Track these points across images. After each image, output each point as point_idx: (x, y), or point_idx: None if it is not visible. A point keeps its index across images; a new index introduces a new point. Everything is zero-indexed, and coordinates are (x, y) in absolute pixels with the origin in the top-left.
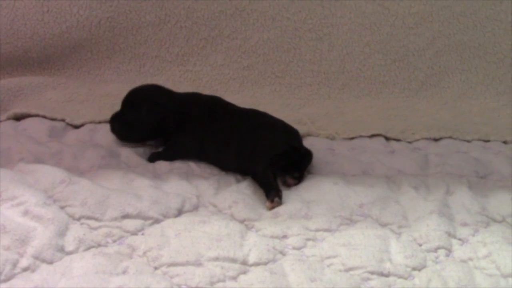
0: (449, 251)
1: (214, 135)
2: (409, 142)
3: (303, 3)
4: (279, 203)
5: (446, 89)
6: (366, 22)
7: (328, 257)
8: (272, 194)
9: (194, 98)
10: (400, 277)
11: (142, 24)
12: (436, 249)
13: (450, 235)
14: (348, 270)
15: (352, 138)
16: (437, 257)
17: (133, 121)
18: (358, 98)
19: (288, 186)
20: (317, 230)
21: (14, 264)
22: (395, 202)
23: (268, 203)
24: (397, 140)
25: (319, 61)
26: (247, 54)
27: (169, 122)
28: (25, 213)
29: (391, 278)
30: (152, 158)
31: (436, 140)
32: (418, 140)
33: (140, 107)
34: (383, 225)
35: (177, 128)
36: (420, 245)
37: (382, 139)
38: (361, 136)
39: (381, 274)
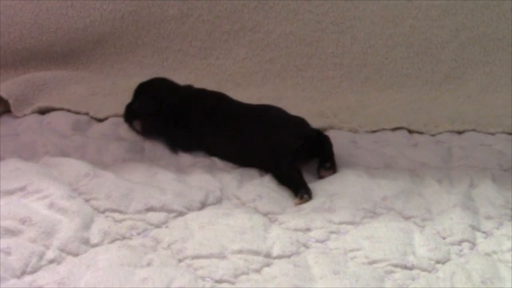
0: (473, 244)
1: (217, 132)
2: (432, 135)
3: None
4: (308, 199)
5: (470, 82)
6: (389, 15)
7: (352, 250)
8: (301, 191)
9: (197, 94)
10: (423, 270)
11: (165, 18)
12: (460, 242)
13: (474, 228)
14: (371, 263)
15: (375, 131)
16: (461, 250)
17: (135, 112)
18: (381, 91)
19: (322, 177)
20: (341, 223)
21: (40, 256)
22: (419, 195)
23: (297, 200)
24: (420, 133)
25: (341, 54)
26: (270, 48)
27: (164, 116)
28: (51, 205)
29: (415, 271)
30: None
31: (459, 133)
32: (441, 133)
33: (138, 98)
34: (407, 218)
35: (176, 123)
36: (444, 238)
37: (405, 132)
38: (384, 129)
39: (405, 267)
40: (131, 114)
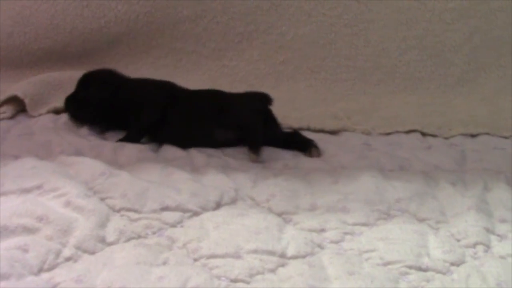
0: (487, 247)
1: (175, 115)
2: (446, 138)
3: (339, 0)
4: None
5: (483, 85)
6: (402, 18)
7: (366, 251)
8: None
9: (148, 81)
10: (438, 272)
11: (179, 19)
12: (474, 245)
13: (489, 231)
14: (386, 264)
15: (388, 134)
16: (475, 253)
17: (84, 100)
18: (394, 94)
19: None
20: (355, 224)
21: (57, 254)
22: (433, 197)
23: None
24: (434, 136)
25: (354, 57)
26: (283, 49)
27: (119, 99)
28: (67, 204)
29: (429, 273)
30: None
31: (473, 136)
32: (455, 136)
33: (90, 86)
34: (421, 220)
35: (131, 110)
36: (458, 240)
37: (418, 135)
38: (397, 132)
39: (419, 269)
40: (77, 104)
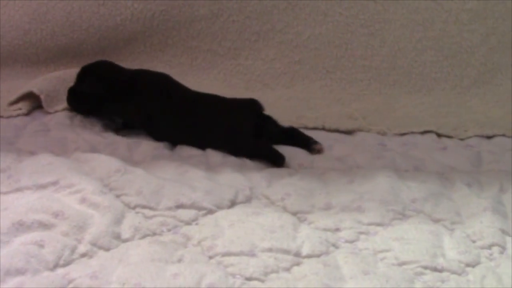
0: (503, 248)
1: (168, 111)
2: (461, 139)
3: (355, 0)
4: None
5: (499, 86)
6: (419, 18)
7: (381, 251)
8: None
9: (143, 74)
10: (453, 272)
11: (195, 17)
12: (490, 246)
13: (504, 232)
14: (401, 264)
15: (403, 134)
16: (491, 254)
17: (81, 92)
18: (409, 94)
19: (319, 152)
20: (370, 224)
21: (73, 250)
22: (448, 198)
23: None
24: (449, 137)
25: (370, 57)
26: (299, 49)
27: (114, 94)
28: (82, 200)
29: (445, 274)
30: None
31: (489, 137)
32: (470, 137)
33: (85, 79)
34: (436, 221)
35: (125, 101)
36: (474, 241)
37: (433, 136)
38: (412, 132)
39: (435, 269)
40: (77, 97)
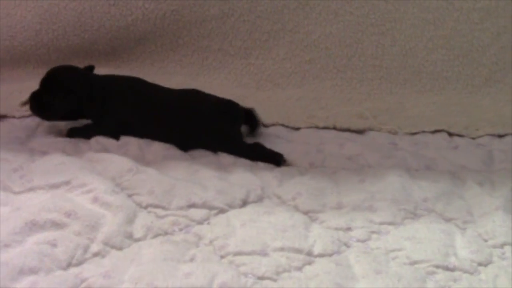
0: None
1: (142, 115)
2: (473, 138)
3: None
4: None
5: (511, 85)
6: (430, 17)
7: (393, 250)
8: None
9: (112, 80)
10: (465, 271)
11: (206, 17)
12: (502, 245)
13: None
14: (413, 263)
15: (414, 133)
16: (503, 253)
17: (49, 104)
18: (420, 94)
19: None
20: (381, 223)
21: (85, 249)
22: (460, 197)
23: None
24: (461, 136)
25: (381, 56)
26: (309, 48)
27: (84, 107)
28: (95, 200)
29: (457, 273)
30: (71, 134)
31: (500, 136)
32: (482, 136)
33: (55, 92)
34: (448, 220)
35: (97, 111)
36: (486, 240)
37: (445, 135)
38: (423, 132)
39: (447, 268)
40: (43, 104)
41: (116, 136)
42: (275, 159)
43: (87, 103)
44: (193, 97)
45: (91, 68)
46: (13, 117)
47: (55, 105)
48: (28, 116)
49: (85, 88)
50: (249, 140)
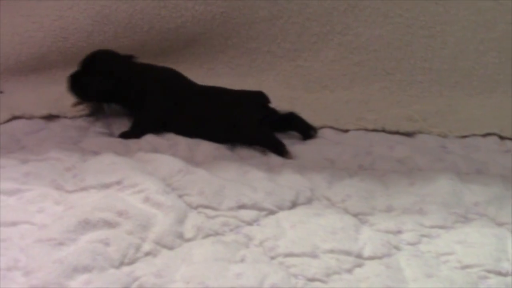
0: None
1: (177, 105)
2: None
3: (416, 1)
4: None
5: None
6: (481, 19)
7: (444, 254)
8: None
9: (151, 68)
10: None
11: (255, 19)
12: None
13: None
14: (464, 267)
15: (465, 137)
16: None
17: (87, 84)
18: (471, 97)
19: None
20: (432, 227)
21: (137, 248)
22: None
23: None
24: None
25: (431, 59)
26: (358, 50)
27: (122, 91)
28: (146, 200)
29: (510, 278)
30: (123, 136)
31: None
32: None
33: (94, 73)
34: (500, 224)
35: (135, 95)
36: None
37: (496, 138)
38: (474, 135)
39: (499, 274)
40: (81, 85)
41: (153, 124)
42: (278, 149)
43: (124, 86)
44: (219, 89)
45: (130, 56)
46: (65, 117)
47: (93, 85)
48: (80, 117)
49: (123, 71)
50: (301, 144)
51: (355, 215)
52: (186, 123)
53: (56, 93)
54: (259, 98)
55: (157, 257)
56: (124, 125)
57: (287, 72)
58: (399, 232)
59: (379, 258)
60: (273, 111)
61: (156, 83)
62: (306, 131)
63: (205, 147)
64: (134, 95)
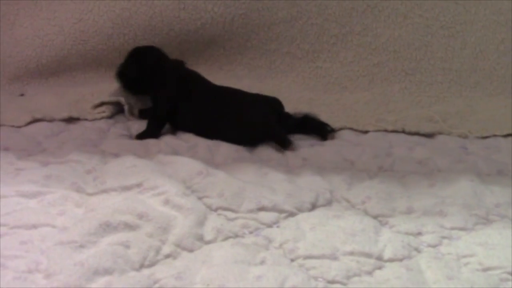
0: None
1: (193, 104)
2: None
3: (436, 1)
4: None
5: None
6: (502, 19)
7: (465, 256)
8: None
9: (176, 67)
10: None
11: (274, 21)
12: None
13: None
14: (485, 270)
15: (485, 137)
16: None
17: (124, 74)
18: (491, 97)
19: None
20: (452, 229)
21: (157, 251)
22: None
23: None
24: None
25: (451, 59)
26: (378, 51)
27: (154, 83)
28: (166, 202)
29: None
30: (139, 137)
31: None
32: None
33: (130, 62)
34: None
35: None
36: None
37: None
38: (495, 135)
39: None
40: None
41: (158, 132)
42: (284, 143)
43: (157, 80)
44: (235, 91)
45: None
46: (86, 119)
47: (128, 70)
48: (100, 119)
49: (159, 65)
50: (320, 145)
51: (375, 216)
52: (199, 122)
53: (76, 96)
54: (274, 104)
55: (177, 260)
56: (143, 127)
57: (306, 74)
58: (419, 234)
59: (400, 260)
60: (288, 116)
61: (171, 78)
62: (323, 130)
63: (224, 149)
64: (164, 90)
